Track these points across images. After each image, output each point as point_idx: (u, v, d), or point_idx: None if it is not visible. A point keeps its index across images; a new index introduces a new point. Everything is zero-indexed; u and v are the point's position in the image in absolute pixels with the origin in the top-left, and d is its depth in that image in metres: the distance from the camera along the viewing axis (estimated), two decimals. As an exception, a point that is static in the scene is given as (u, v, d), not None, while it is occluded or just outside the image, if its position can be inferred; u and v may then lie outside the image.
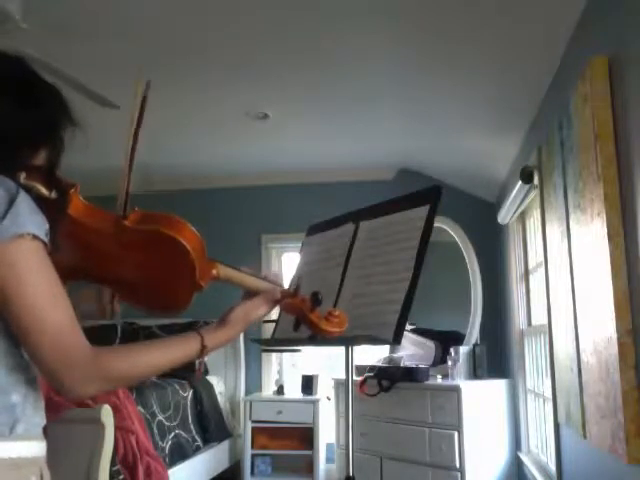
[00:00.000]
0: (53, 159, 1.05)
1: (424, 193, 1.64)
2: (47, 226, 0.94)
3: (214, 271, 1.14)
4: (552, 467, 3.01)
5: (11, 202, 0.90)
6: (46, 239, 0.93)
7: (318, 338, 1.19)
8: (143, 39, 2.64)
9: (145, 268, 1.15)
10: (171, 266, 1.13)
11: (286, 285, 1.25)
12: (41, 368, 0.93)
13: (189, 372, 4.20)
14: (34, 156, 1.02)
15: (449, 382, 3.73)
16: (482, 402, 3.67)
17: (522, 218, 3.85)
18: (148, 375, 1.06)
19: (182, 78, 3.07)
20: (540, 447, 3.48)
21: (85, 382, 0.93)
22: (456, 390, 3.49)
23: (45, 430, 1.00)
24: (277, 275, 1.24)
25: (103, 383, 0.96)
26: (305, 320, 1.18)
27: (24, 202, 0.91)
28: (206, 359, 1.10)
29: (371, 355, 4.16)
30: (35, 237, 0.91)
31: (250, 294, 1.19)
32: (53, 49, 2.41)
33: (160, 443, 3.40)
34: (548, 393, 3.02)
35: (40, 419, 0.99)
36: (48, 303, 0.91)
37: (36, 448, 0.96)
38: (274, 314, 1.82)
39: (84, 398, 1.04)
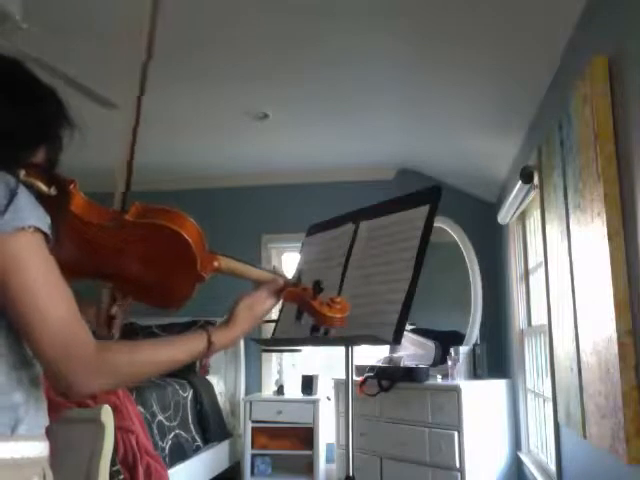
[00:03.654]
0: (52, 157, 1.05)
1: (424, 193, 1.64)
2: (49, 220, 0.94)
3: (215, 262, 1.14)
4: (552, 467, 3.01)
5: (12, 196, 0.90)
6: (49, 231, 0.93)
7: (321, 327, 1.20)
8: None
9: (146, 261, 1.15)
10: (172, 258, 1.13)
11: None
12: (43, 362, 0.92)
13: (192, 372, 4.21)
14: (33, 154, 1.02)
15: (449, 382, 3.72)
16: (482, 402, 3.67)
17: (522, 218, 3.84)
18: (153, 372, 1.05)
19: (182, 78, 3.07)
20: (540, 447, 3.48)
21: (88, 377, 0.92)
22: (456, 390, 3.49)
23: (47, 430, 0.99)
24: (277, 268, 1.24)
25: (107, 378, 0.94)
26: (307, 307, 1.19)
27: (25, 196, 0.92)
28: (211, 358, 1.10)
29: (371, 355, 4.16)
30: (37, 230, 0.91)
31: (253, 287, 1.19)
32: (53, 49, 2.41)
33: (160, 443, 3.39)
34: (548, 393, 3.02)
35: (43, 419, 0.98)
36: (52, 296, 0.91)
37: (38, 448, 0.96)
38: (274, 314, 1.82)
39: (87, 394, 1.03)
